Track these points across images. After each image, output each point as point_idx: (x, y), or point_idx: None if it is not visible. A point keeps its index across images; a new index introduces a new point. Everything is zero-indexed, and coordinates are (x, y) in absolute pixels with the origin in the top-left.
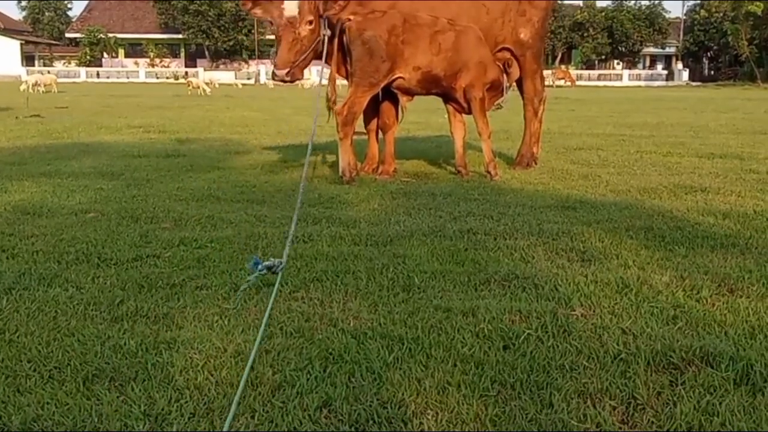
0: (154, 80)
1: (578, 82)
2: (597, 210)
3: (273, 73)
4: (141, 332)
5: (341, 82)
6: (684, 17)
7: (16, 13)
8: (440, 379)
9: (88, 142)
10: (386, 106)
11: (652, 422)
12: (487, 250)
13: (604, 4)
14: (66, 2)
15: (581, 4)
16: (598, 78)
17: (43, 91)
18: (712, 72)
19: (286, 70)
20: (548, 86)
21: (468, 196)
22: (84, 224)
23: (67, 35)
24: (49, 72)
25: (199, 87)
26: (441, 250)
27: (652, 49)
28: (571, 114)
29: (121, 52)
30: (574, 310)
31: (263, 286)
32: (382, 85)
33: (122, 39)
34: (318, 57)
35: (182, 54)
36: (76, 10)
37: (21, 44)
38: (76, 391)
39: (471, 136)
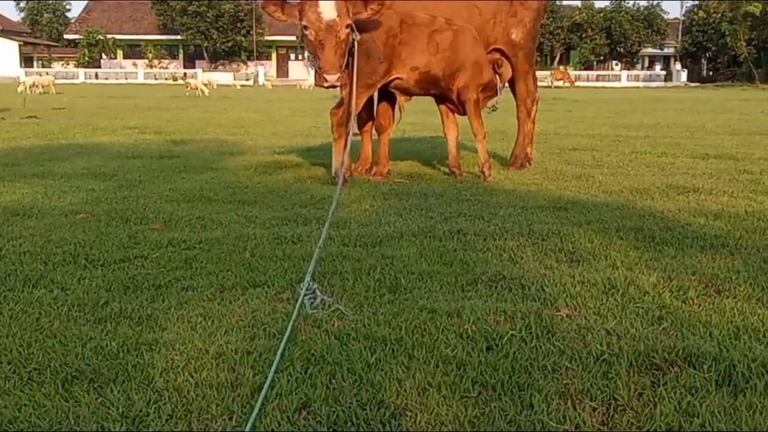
0: (153, 81)
1: (576, 83)
2: (588, 211)
3: (318, 79)
4: (123, 333)
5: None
6: (682, 18)
7: (14, 15)
8: (421, 380)
9: (83, 143)
10: (382, 108)
11: (632, 423)
12: (476, 250)
13: (602, 4)
14: (64, 3)
15: (579, 5)
16: (597, 79)
17: (40, 93)
18: (711, 73)
19: (338, 75)
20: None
21: (460, 197)
22: (73, 225)
23: (66, 36)
24: (47, 73)
25: (197, 88)
26: (430, 251)
27: (650, 50)
28: (568, 115)
29: (120, 53)
30: (560, 311)
31: (249, 287)
32: (380, 85)
33: (121, 40)
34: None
35: (181, 55)
36: (75, 11)
37: (19, 45)
38: (54, 393)
39: (466, 137)
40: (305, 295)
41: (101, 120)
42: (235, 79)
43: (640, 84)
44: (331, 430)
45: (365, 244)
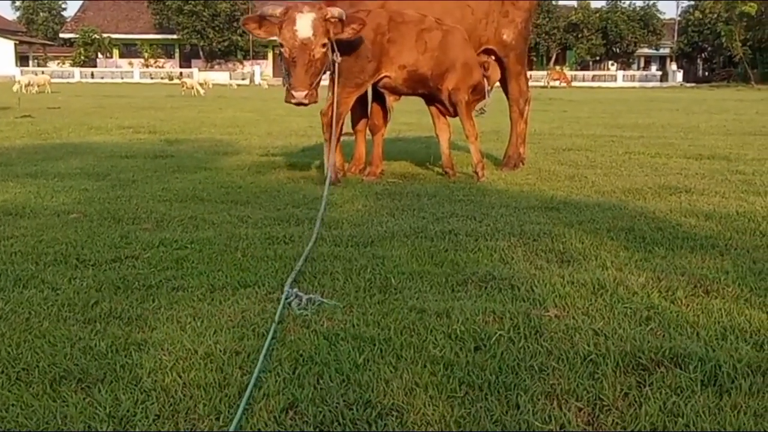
0: (149, 81)
1: (573, 83)
2: (580, 211)
3: (287, 96)
4: (113, 334)
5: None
6: (678, 18)
7: (10, 14)
8: (408, 381)
9: (77, 143)
10: (375, 108)
11: (617, 423)
12: (467, 251)
13: (598, 5)
14: (60, 2)
15: (576, 5)
16: (593, 79)
17: (36, 92)
18: (707, 73)
19: (306, 92)
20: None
21: (453, 197)
22: (65, 225)
23: (62, 35)
24: (43, 72)
25: (193, 87)
26: (421, 251)
27: (646, 50)
28: (563, 115)
29: (116, 52)
30: (548, 311)
31: (240, 287)
32: (369, 85)
33: (117, 39)
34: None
35: (177, 54)
36: (71, 10)
37: (15, 45)
38: (42, 393)
39: (460, 137)
40: (287, 299)
41: (96, 119)
42: (231, 79)
43: (636, 84)
44: (317, 430)
45: (357, 244)
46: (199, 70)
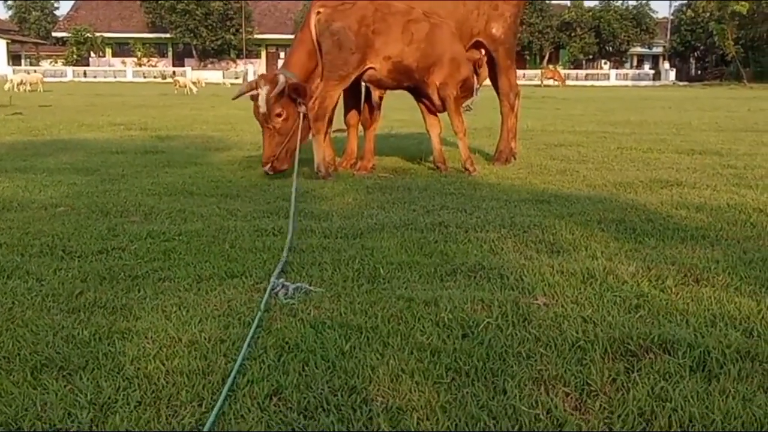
0: (142, 80)
1: (566, 82)
2: (571, 203)
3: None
4: (96, 323)
5: None
6: (671, 17)
7: (2, 13)
8: (394, 367)
9: (67, 139)
10: (364, 103)
11: (604, 408)
12: (457, 242)
13: (591, 4)
14: (53, 1)
15: (569, 4)
16: (586, 78)
17: (28, 90)
18: (699, 72)
19: (268, 166)
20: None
21: (444, 191)
22: (52, 218)
23: (54, 34)
24: (35, 71)
25: (185, 86)
26: (410, 243)
27: (639, 49)
28: (556, 112)
29: (108, 51)
30: (537, 299)
31: (227, 278)
32: (353, 77)
33: (109, 38)
34: None
35: (170, 53)
36: (63, 9)
37: (7, 44)
38: (22, 381)
39: (451, 132)
40: (273, 289)
41: (87, 117)
42: (224, 78)
43: (629, 83)
44: (301, 415)
45: (346, 236)
46: (192, 69)
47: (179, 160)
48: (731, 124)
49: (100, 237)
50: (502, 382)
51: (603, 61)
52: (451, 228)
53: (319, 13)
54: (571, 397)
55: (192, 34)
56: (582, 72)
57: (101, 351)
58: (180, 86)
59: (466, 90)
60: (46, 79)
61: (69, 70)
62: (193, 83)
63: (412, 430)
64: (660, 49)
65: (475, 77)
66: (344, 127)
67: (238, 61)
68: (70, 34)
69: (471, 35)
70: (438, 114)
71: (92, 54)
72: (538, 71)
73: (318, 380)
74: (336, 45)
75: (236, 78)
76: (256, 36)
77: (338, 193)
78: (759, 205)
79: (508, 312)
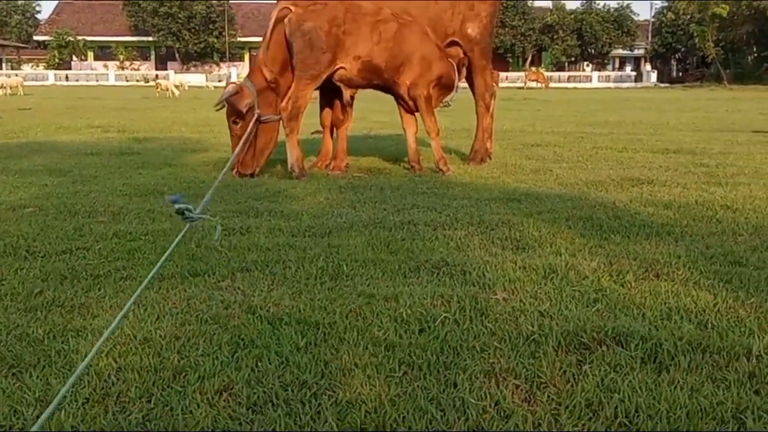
0: (124, 83)
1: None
2: (541, 202)
3: None
4: (52, 321)
5: None
6: (652, 19)
7: None
8: (347, 362)
9: (43, 141)
10: (336, 102)
11: (552, 399)
12: (424, 240)
13: (573, 6)
14: (34, 4)
15: (551, 7)
16: (568, 80)
17: (8, 94)
18: (680, 73)
19: (234, 170)
20: (519, 88)
21: (416, 190)
22: (19, 219)
23: (35, 38)
24: (16, 75)
25: (167, 89)
26: (377, 241)
27: (621, 51)
28: (536, 113)
29: (91, 54)
30: (496, 294)
31: (189, 276)
32: (324, 76)
33: (91, 42)
34: None
35: (153, 57)
36: (45, 12)
37: None
38: None
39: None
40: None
41: (66, 119)
42: (207, 81)
43: (611, 84)
44: (250, 410)
45: (314, 235)
46: (176, 72)
47: (154, 161)
48: (708, 124)
49: (65, 237)
50: (454, 376)
51: (585, 63)
52: (419, 226)
53: (285, 9)
54: (521, 389)
55: (175, 38)
56: (564, 74)
57: (54, 349)
58: (162, 89)
59: (449, 88)
60: (27, 83)
61: (50, 73)
62: (176, 86)
63: (359, 423)
64: (641, 51)
65: (456, 75)
66: (321, 129)
67: (222, 65)
68: (51, 38)
69: (446, 35)
70: (415, 114)
71: (74, 57)
72: (522, 74)
73: (270, 375)
74: (308, 45)
75: (219, 81)
76: (239, 39)
77: (310, 193)
78: (726, 202)
79: (467, 307)
